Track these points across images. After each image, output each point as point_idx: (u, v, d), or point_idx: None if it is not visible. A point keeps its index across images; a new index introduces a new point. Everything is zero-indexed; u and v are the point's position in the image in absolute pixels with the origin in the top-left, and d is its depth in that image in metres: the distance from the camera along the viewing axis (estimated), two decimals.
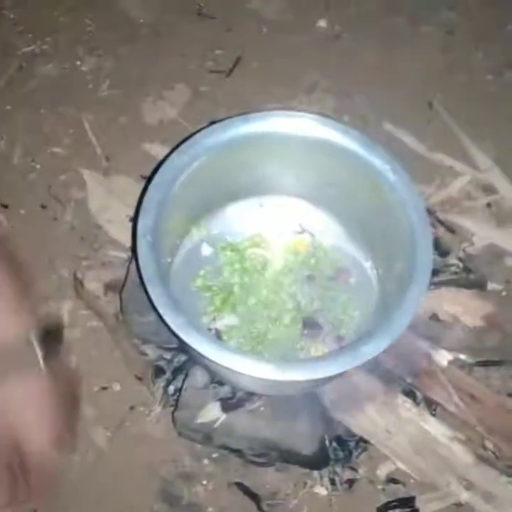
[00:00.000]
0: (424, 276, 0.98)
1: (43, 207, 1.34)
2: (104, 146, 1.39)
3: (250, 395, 1.08)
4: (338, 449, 1.14)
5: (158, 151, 1.35)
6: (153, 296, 0.92)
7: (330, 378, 0.97)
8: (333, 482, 1.14)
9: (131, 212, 1.26)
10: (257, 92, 1.43)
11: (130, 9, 1.52)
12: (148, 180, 1.05)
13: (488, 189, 1.39)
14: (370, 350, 0.91)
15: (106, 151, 1.39)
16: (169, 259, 1.10)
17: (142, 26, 1.52)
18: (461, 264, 1.28)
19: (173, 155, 1.03)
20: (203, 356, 0.90)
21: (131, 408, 1.18)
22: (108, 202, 1.32)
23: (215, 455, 1.14)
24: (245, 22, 1.53)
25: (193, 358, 1.09)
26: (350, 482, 1.14)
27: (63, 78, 1.45)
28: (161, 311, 0.92)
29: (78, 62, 1.48)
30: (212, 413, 1.07)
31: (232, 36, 1.51)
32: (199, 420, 1.07)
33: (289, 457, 1.11)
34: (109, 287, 1.20)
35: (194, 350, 0.91)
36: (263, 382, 0.95)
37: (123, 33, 1.50)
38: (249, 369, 0.88)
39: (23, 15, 1.51)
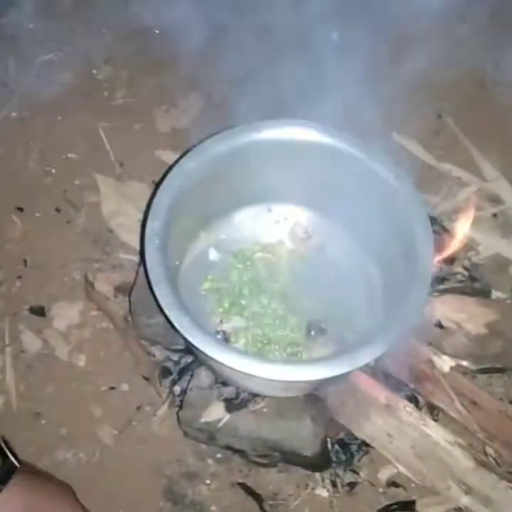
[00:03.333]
0: (424, 285, 1.00)
1: (58, 210, 1.37)
2: (118, 152, 1.43)
3: (254, 396, 1.10)
4: (340, 452, 1.16)
5: (171, 158, 1.37)
6: (159, 297, 0.95)
7: (330, 381, 0.99)
8: (334, 484, 1.16)
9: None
10: (269, 101, 1.46)
11: (145, 20, 1.55)
12: (158, 185, 1.08)
13: (495, 200, 1.41)
14: (367, 354, 0.93)
15: (120, 157, 1.42)
16: (177, 262, 1.12)
17: (157, 36, 1.56)
18: (466, 273, 1.30)
19: (182, 161, 1.06)
20: (207, 356, 0.93)
21: (138, 408, 1.21)
22: (120, 206, 1.36)
23: (218, 455, 1.17)
24: (256, 35, 1.56)
25: (199, 359, 1.12)
26: (352, 485, 1.16)
27: (79, 86, 1.49)
28: (166, 311, 0.94)
29: (94, 71, 1.52)
30: (216, 413, 1.09)
31: (244, 48, 1.54)
32: (203, 419, 1.09)
33: (291, 458, 1.12)
34: (119, 289, 1.23)
35: (198, 350, 0.93)
36: (265, 382, 0.97)
37: (138, 43, 1.54)
38: (250, 369, 0.91)
39: (42, 24, 1.55)
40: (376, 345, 0.93)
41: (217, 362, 0.92)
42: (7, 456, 0.87)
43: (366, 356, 0.93)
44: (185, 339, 0.95)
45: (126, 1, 1.55)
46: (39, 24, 1.54)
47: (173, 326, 0.94)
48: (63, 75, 1.50)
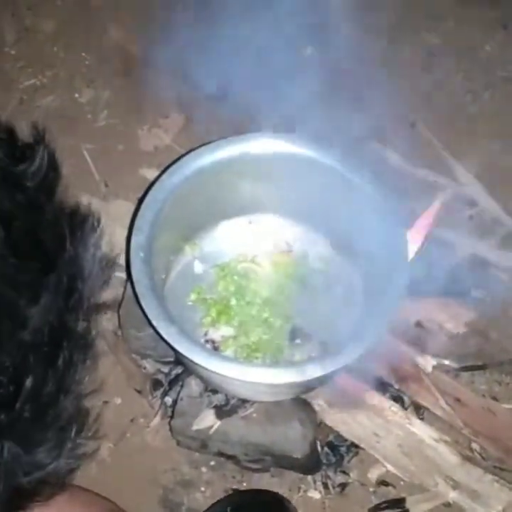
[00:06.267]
0: (401, 286, 1.04)
1: None
2: (103, 172, 1.46)
3: (243, 402, 1.13)
4: (330, 454, 1.19)
5: (155, 175, 1.40)
6: (146, 309, 0.98)
7: (315, 382, 1.02)
8: (326, 486, 1.19)
9: None
10: (247, 118, 1.50)
11: (124, 43, 1.60)
12: (141, 201, 1.12)
13: (470, 202, 1.45)
14: (349, 354, 0.96)
15: (105, 177, 1.46)
16: (163, 276, 1.16)
17: (137, 59, 1.60)
18: (445, 275, 1.33)
19: (164, 176, 1.10)
20: (195, 364, 0.96)
21: (132, 420, 1.23)
22: (106, 225, 1.38)
23: (212, 463, 1.19)
24: (234, 50, 1.60)
25: (188, 369, 1.15)
26: (343, 486, 1.19)
27: (63, 110, 1.53)
28: (154, 322, 0.97)
29: (77, 95, 1.56)
30: (207, 420, 1.12)
31: (224, 63, 1.58)
32: (195, 427, 1.12)
33: (282, 461, 1.15)
34: (108, 306, 1.26)
35: (186, 358, 0.97)
36: (253, 387, 1.01)
37: (118, 65, 1.58)
38: (236, 374, 0.94)
39: (24, 51, 1.59)
40: (357, 345, 0.97)
41: (205, 368, 0.95)
42: None
43: (348, 355, 0.96)
44: (173, 349, 0.98)
45: (105, 26, 1.60)
46: (20, 51, 1.59)
47: (161, 337, 0.98)
48: (46, 100, 1.54)
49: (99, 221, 0.55)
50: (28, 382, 0.47)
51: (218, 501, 1.12)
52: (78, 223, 0.53)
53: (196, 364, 0.96)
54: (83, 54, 1.60)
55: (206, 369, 0.95)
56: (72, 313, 0.50)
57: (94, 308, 0.53)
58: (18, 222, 0.47)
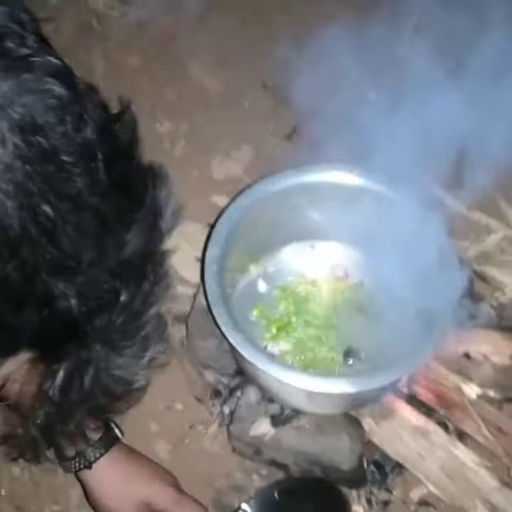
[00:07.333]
0: (450, 316, 1.11)
1: None
2: (178, 197, 1.57)
3: (297, 413, 1.21)
4: (375, 472, 1.25)
5: (225, 202, 1.51)
6: (216, 315, 1.08)
7: (367, 398, 1.10)
8: (369, 502, 1.24)
9: (199, 254, 1.41)
10: (311, 154, 1.60)
11: (204, 80, 1.73)
12: (213, 225, 1.22)
13: None
14: (399, 371, 1.04)
15: (179, 201, 1.56)
16: (230, 290, 1.25)
17: (214, 95, 1.72)
18: (493, 312, 1.40)
19: (238, 198, 1.21)
20: (257, 369, 1.05)
21: (191, 426, 1.31)
22: (178, 244, 1.48)
23: (263, 471, 1.27)
24: (303, 93, 1.71)
25: (248, 376, 1.23)
26: (386, 503, 1.24)
27: (144, 138, 1.64)
28: (223, 328, 1.07)
29: (157, 125, 1.68)
30: (263, 427, 1.20)
31: (291, 105, 1.69)
32: (251, 433, 1.20)
33: (330, 473, 1.22)
34: (176, 319, 1.36)
35: (250, 363, 1.06)
36: (308, 396, 1.09)
37: (197, 100, 1.70)
38: (294, 380, 1.03)
39: (111, 83, 1.70)
40: (409, 363, 1.05)
41: (267, 374, 1.04)
42: (111, 428, 1.00)
43: (400, 371, 1.04)
44: (236, 357, 1.07)
45: (187, 64, 1.74)
46: (108, 82, 1.71)
47: (228, 342, 1.07)
48: None
49: (168, 175, 0.66)
50: (124, 294, 0.57)
51: (266, 486, 1.19)
52: (155, 174, 0.64)
53: (258, 369, 1.04)
54: (165, 88, 1.73)
55: (268, 374, 1.04)
56: (154, 243, 0.61)
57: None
58: (116, 168, 0.58)
